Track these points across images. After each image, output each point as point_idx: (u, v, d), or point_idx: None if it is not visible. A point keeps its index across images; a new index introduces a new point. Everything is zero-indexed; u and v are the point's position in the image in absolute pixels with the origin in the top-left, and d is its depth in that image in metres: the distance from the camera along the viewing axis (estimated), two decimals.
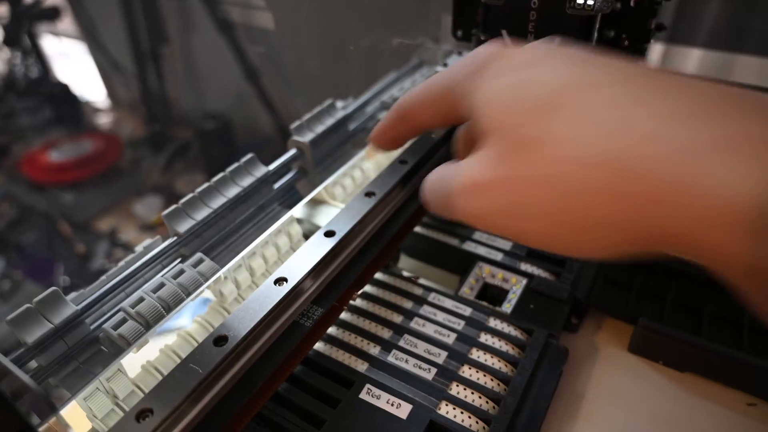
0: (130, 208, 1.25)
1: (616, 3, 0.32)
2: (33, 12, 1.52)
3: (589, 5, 0.29)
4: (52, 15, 1.59)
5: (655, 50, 0.64)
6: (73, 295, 0.28)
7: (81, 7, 1.49)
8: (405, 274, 0.37)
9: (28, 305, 0.26)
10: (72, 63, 1.74)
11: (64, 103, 1.59)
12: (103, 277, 0.30)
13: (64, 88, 1.62)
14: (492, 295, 0.36)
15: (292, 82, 1.04)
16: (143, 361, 0.29)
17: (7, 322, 0.25)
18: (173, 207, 0.32)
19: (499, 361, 0.30)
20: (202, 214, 0.32)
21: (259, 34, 1.02)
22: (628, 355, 0.33)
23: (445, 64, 0.41)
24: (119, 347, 0.27)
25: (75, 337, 0.27)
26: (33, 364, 0.25)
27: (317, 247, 0.30)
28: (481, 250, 0.37)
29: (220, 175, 0.35)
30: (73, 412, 0.26)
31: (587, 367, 0.32)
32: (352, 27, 0.66)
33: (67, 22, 1.61)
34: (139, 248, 0.33)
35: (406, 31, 0.49)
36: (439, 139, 0.40)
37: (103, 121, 1.61)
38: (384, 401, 0.28)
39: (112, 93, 1.64)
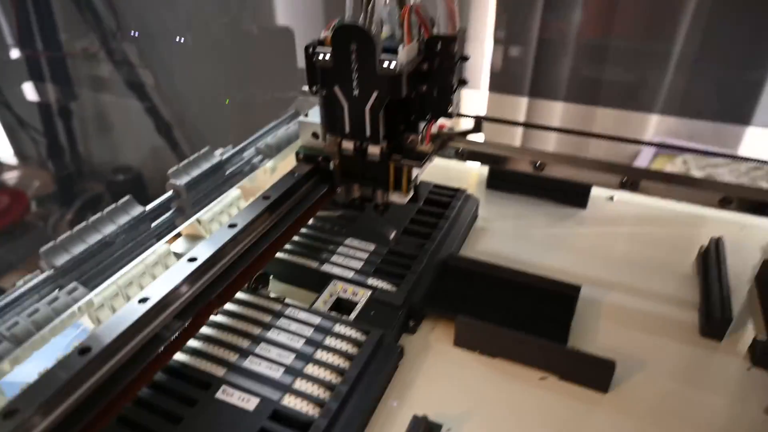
0: (38, 263, 1.22)
1: (422, 65, 0.40)
2: None
3: (392, 68, 0.37)
4: None
5: (477, 96, 0.75)
6: None
7: None
8: (272, 295, 0.43)
9: None
10: None
11: None
12: None
13: None
14: (344, 306, 0.42)
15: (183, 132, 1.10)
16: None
17: None
18: (50, 243, 0.36)
19: (339, 358, 0.36)
20: (78, 249, 0.37)
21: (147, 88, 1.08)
22: (453, 349, 0.40)
23: (306, 114, 0.48)
24: None
25: None
26: None
27: (179, 271, 0.35)
28: (336, 270, 0.44)
29: (98, 214, 0.39)
30: None
31: (420, 361, 0.39)
32: (233, 83, 0.74)
33: None
34: (20, 282, 0.36)
35: (281, 86, 0.57)
36: (301, 176, 0.46)
37: (10, 177, 1.58)
38: (236, 398, 0.33)
39: (18, 149, 1.62)
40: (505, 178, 0.58)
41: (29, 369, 0.31)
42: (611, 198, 0.58)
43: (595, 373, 0.36)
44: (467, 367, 0.38)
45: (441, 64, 0.40)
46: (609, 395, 0.36)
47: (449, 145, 0.47)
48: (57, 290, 0.35)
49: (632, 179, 0.41)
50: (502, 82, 0.89)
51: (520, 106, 0.89)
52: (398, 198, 0.45)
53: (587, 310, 0.43)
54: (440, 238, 0.47)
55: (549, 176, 0.54)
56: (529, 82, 0.86)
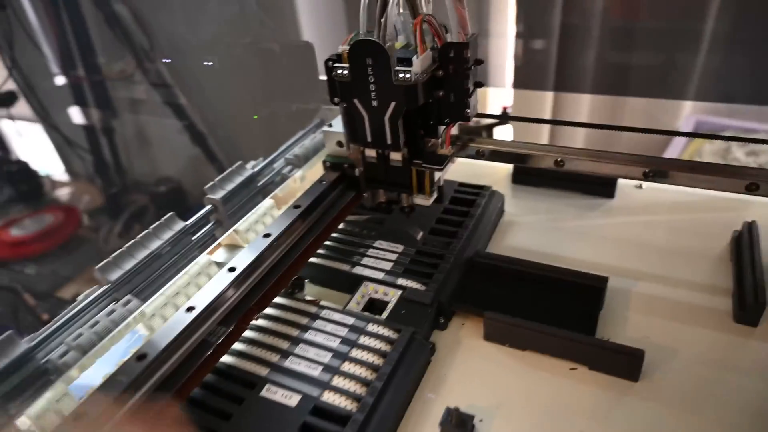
0: (92, 274, 1.30)
1: (437, 71, 0.42)
2: None
3: (408, 78, 0.39)
4: (9, 100, 1.66)
5: (502, 94, 0.75)
6: (27, 338, 0.36)
7: (34, 92, 1.58)
8: (308, 298, 0.45)
9: None
10: (29, 143, 1.80)
11: (24, 181, 1.64)
12: (51, 323, 0.37)
13: (23, 167, 1.68)
14: (376, 307, 0.44)
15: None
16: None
17: None
18: (105, 261, 0.39)
19: (373, 355, 0.38)
20: (129, 264, 0.40)
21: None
22: (484, 343, 0.41)
23: (330, 125, 0.50)
24: (63, 373, 0.34)
25: (28, 369, 0.34)
26: None
27: (221, 281, 0.38)
28: (367, 272, 0.46)
29: (145, 231, 0.43)
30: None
31: (451, 356, 0.40)
32: (259, 97, 0.77)
33: (21, 106, 1.69)
34: (80, 297, 0.40)
35: (305, 98, 0.59)
36: (329, 184, 0.49)
37: (62, 194, 1.67)
38: (279, 395, 0.35)
39: (68, 167, 1.71)
40: (530, 173, 0.59)
41: (94, 374, 0.34)
42: (640, 186, 0.58)
43: (624, 363, 0.37)
44: (497, 361, 0.40)
45: (456, 70, 0.41)
46: (640, 384, 0.37)
47: (470, 145, 0.48)
48: (113, 303, 0.38)
49: (656, 170, 0.42)
50: (526, 77, 0.88)
51: (546, 101, 0.89)
52: (422, 200, 0.46)
53: (616, 300, 0.43)
54: (467, 236, 0.48)
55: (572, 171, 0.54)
56: (554, 76, 0.86)
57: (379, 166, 0.45)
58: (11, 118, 1.82)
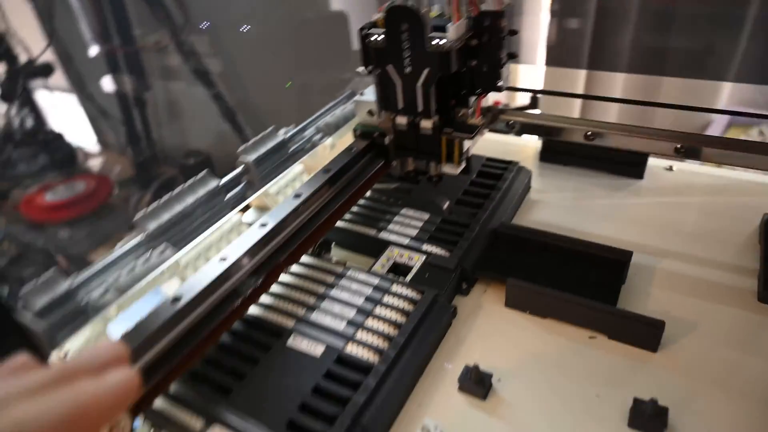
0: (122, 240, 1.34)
1: (471, 40, 0.42)
2: (28, 69, 1.64)
3: (442, 44, 0.39)
4: (46, 71, 1.71)
5: (534, 71, 0.74)
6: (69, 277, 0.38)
7: (71, 63, 1.62)
8: (334, 260, 0.47)
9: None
10: (64, 113, 1.85)
11: (58, 150, 1.69)
12: (92, 266, 0.39)
13: (58, 137, 1.73)
14: (401, 270, 0.45)
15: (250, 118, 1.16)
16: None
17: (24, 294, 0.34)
18: (143, 211, 0.41)
19: (396, 313, 0.39)
20: (165, 216, 0.42)
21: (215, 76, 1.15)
22: (505, 309, 0.42)
23: (362, 93, 0.51)
24: (101, 310, 0.36)
25: (70, 306, 0.36)
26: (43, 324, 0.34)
27: (253, 235, 0.39)
28: (393, 237, 0.47)
29: (180, 187, 0.44)
30: None
31: (472, 320, 0.41)
32: (292, 68, 0.78)
33: (58, 77, 1.74)
34: (119, 245, 0.42)
35: (338, 68, 0.60)
36: (359, 151, 0.49)
37: (94, 163, 1.72)
38: (305, 345, 0.37)
39: (101, 138, 1.76)
40: (559, 151, 0.59)
41: (131, 315, 0.36)
42: (670, 168, 0.57)
43: (643, 333, 0.37)
44: (518, 326, 0.40)
45: (490, 39, 0.42)
46: (658, 354, 0.37)
47: (501, 118, 0.48)
48: (150, 251, 0.40)
49: (687, 146, 0.41)
50: (559, 55, 0.87)
51: (578, 79, 0.88)
52: (450, 169, 0.47)
53: (639, 276, 0.44)
54: (492, 207, 0.49)
55: (602, 146, 0.54)
56: (588, 54, 0.85)
57: (409, 134, 0.46)
58: (48, 88, 1.87)
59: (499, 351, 0.38)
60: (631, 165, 0.56)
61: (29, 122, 1.73)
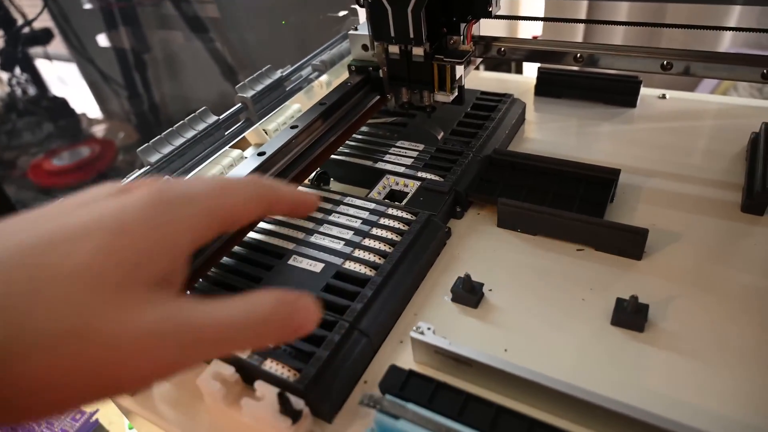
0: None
1: None
2: (27, 36, 1.64)
3: None
4: (45, 38, 1.71)
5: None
6: None
7: (70, 28, 1.61)
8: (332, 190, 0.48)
9: None
10: (66, 81, 1.85)
11: (62, 118, 1.70)
12: None
13: (61, 104, 1.74)
14: (397, 197, 0.46)
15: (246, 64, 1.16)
16: None
17: None
18: (145, 144, 0.43)
19: (392, 233, 0.41)
20: (166, 149, 0.43)
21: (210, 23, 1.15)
22: (497, 229, 0.44)
23: (356, 28, 0.51)
24: None
25: None
26: None
27: (250, 163, 0.41)
28: (389, 167, 0.48)
29: (181, 122, 0.45)
30: None
31: (466, 240, 0.43)
32: (288, 9, 0.78)
33: (57, 44, 1.73)
34: (124, 180, 0.43)
35: (333, 7, 0.60)
36: (354, 86, 0.50)
37: (98, 129, 1.74)
38: (305, 264, 0.39)
39: (103, 104, 1.77)
40: (554, 83, 0.59)
41: None
42: (663, 96, 0.58)
43: (628, 242, 0.39)
44: (509, 244, 0.42)
45: None
46: (642, 262, 0.39)
47: (493, 45, 0.49)
48: None
49: (672, 61, 0.42)
50: None
51: (580, 10, 0.86)
52: (443, 97, 0.48)
53: (627, 194, 0.45)
54: (486, 136, 0.50)
55: (594, 73, 0.55)
56: None
57: (401, 63, 0.47)
58: (48, 56, 1.87)
59: (491, 266, 0.40)
60: (624, 94, 0.57)
61: (31, 90, 1.74)
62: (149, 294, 0.19)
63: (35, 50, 1.76)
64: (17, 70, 1.68)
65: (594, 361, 0.33)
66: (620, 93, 0.57)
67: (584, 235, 0.40)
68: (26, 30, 1.60)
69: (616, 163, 0.49)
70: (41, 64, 1.86)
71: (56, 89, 1.88)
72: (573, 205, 0.42)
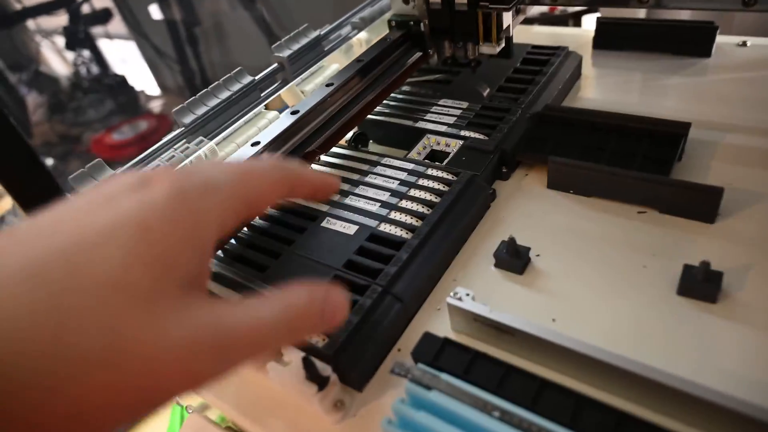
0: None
1: None
2: (88, 16, 1.70)
3: None
4: (105, 17, 1.77)
5: None
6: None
7: (127, 7, 1.66)
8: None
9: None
10: (125, 58, 1.92)
11: (122, 94, 1.77)
12: (134, 159, 0.40)
13: (121, 81, 1.80)
14: (438, 158, 0.44)
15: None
16: None
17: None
18: (180, 106, 0.42)
19: (431, 195, 0.38)
20: (201, 110, 0.42)
21: None
22: (546, 191, 0.40)
23: None
24: None
25: None
26: None
27: (284, 121, 0.39)
28: (430, 126, 0.45)
29: (216, 83, 0.44)
30: None
31: (512, 202, 0.40)
32: None
33: (117, 23, 1.79)
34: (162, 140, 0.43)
35: None
36: (394, 41, 0.47)
37: (155, 104, 1.79)
38: (339, 226, 0.37)
39: (159, 79, 1.81)
40: (614, 34, 0.54)
41: None
42: (743, 43, 0.51)
43: (699, 202, 0.34)
44: (560, 206, 0.38)
45: None
46: (715, 226, 0.34)
47: None
48: (187, 143, 0.41)
49: None
50: None
51: None
52: (489, 49, 0.44)
53: (699, 151, 0.40)
54: (536, 92, 0.46)
55: (660, 20, 0.49)
56: None
57: (444, 13, 0.44)
58: (108, 35, 1.94)
59: (539, 230, 0.37)
60: (697, 43, 0.50)
61: (94, 69, 1.81)
62: (181, 298, 0.18)
63: (96, 30, 1.82)
64: (80, 49, 1.75)
65: (656, 335, 0.29)
66: (692, 41, 0.51)
67: (647, 196, 0.36)
68: (87, 10, 1.65)
69: (687, 118, 0.43)
70: (102, 44, 1.93)
71: (117, 67, 1.95)
72: (634, 163, 0.38)
